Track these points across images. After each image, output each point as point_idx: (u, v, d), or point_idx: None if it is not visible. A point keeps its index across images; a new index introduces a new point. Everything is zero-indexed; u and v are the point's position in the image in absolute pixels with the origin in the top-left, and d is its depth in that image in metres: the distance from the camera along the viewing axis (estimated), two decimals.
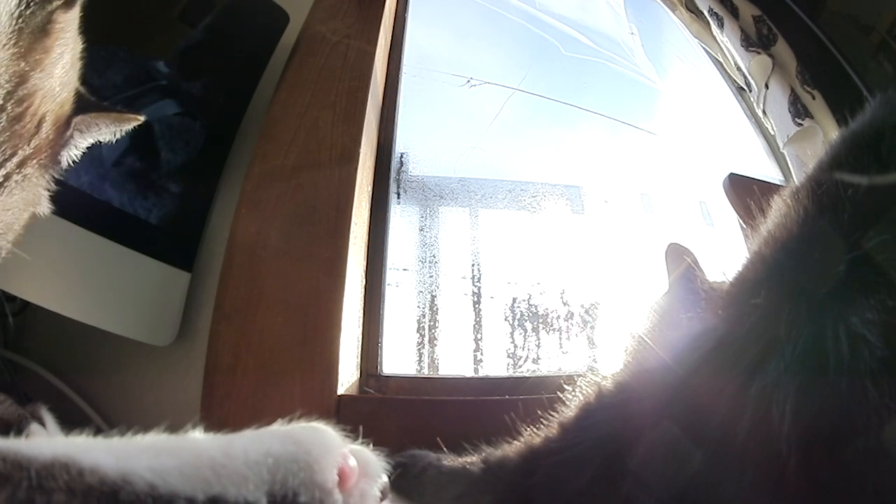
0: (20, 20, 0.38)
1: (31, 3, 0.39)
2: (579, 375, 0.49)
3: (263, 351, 0.63)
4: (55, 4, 0.41)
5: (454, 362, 0.84)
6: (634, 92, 1.34)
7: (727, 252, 0.96)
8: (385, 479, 0.28)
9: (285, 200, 0.72)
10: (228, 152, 0.87)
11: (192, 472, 0.21)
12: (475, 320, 0.87)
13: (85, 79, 0.50)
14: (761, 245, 0.39)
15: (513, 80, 1.17)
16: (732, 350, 0.36)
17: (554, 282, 0.92)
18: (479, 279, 0.91)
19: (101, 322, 0.69)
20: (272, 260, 0.68)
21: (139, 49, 0.79)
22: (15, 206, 0.43)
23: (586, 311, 0.89)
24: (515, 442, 0.48)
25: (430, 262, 0.90)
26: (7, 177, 0.41)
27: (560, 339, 0.88)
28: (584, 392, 0.46)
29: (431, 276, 0.89)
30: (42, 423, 0.50)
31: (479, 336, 0.86)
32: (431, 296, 0.87)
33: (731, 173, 0.81)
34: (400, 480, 0.47)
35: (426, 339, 0.83)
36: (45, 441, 0.27)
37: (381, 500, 0.27)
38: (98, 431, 0.24)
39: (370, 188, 0.86)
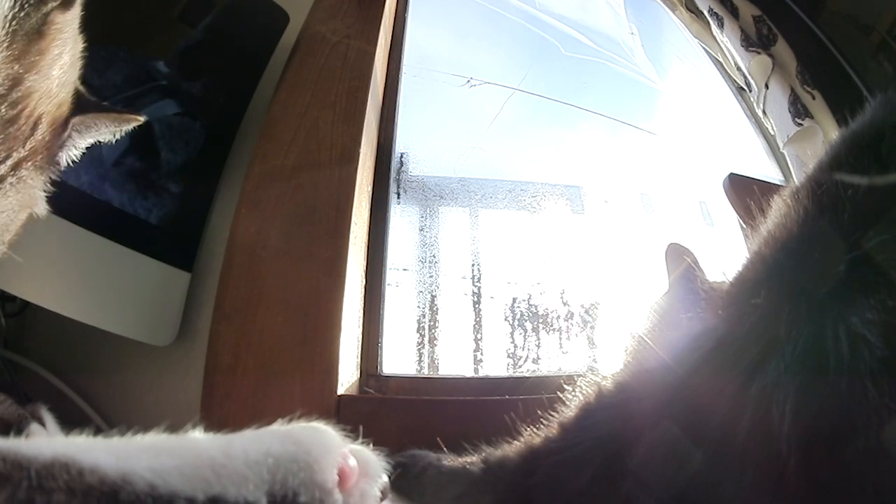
0: (13, 22, 0.38)
1: (26, 5, 0.39)
2: (579, 375, 0.49)
3: (263, 351, 0.63)
4: (51, 6, 0.41)
5: (454, 362, 0.84)
6: (634, 92, 1.34)
7: (727, 252, 0.96)
8: (385, 479, 0.28)
9: (285, 200, 0.72)
10: (228, 152, 0.87)
11: (192, 472, 0.21)
12: (475, 320, 0.87)
13: (85, 79, 0.49)
14: (761, 245, 0.39)
15: (513, 80, 1.17)
16: (732, 350, 0.36)
17: (554, 282, 0.92)
18: (479, 279, 0.91)
19: (101, 322, 0.69)
20: (272, 260, 0.68)
21: (139, 49, 0.79)
22: (9, 209, 0.43)
23: (586, 311, 0.89)
24: (515, 442, 0.48)
25: (430, 262, 0.90)
26: (1, 179, 0.41)
27: (560, 339, 0.88)
28: (584, 392, 0.46)
29: (431, 276, 0.89)
30: (42, 423, 0.50)
31: (479, 336, 0.86)
32: (431, 296, 0.87)
33: (731, 173, 0.81)
34: (400, 480, 0.47)
35: (426, 339, 0.83)
36: (45, 441, 0.27)
37: (381, 500, 0.27)
38: (98, 431, 0.24)
39: (370, 188, 0.86)
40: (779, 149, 1.12)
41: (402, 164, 0.96)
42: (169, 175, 0.79)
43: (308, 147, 0.77)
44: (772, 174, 1.16)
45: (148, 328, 0.74)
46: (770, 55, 1.06)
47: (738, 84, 1.24)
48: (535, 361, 0.85)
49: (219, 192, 0.85)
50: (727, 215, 0.99)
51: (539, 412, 0.48)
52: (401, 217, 0.91)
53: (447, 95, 1.13)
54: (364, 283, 0.79)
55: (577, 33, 1.35)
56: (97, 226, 0.69)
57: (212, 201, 0.84)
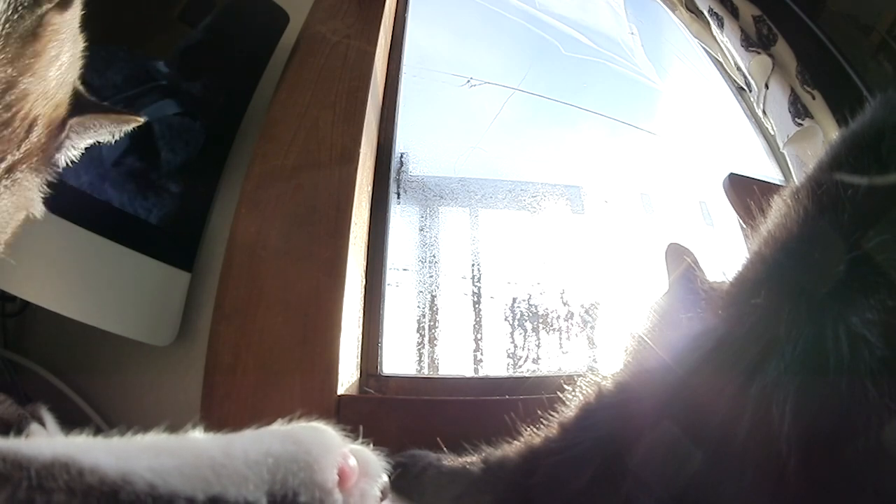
0: (7, 25, 0.38)
1: (20, 7, 0.38)
2: (579, 375, 0.49)
3: (263, 351, 0.63)
4: (46, 7, 0.41)
5: (454, 362, 0.84)
6: (634, 92, 1.34)
7: (727, 252, 0.96)
8: (385, 479, 0.28)
9: (285, 200, 0.72)
10: (228, 152, 0.87)
11: (192, 472, 0.21)
12: (475, 320, 0.87)
13: (85, 79, 0.49)
14: (761, 245, 0.39)
15: (513, 80, 1.17)
16: (732, 350, 0.35)
17: (554, 282, 0.92)
18: (479, 279, 0.91)
19: (101, 322, 0.69)
20: (272, 260, 0.68)
21: (139, 49, 0.79)
22: (5, 211, 0.43)
23: (586, 311, 0.89)
24: (515, 442, 0.48)
25: (430, 262, 0.90)
26: None
27: (560, 339, 0.88)
28: (584, 392, 0.46)
29: (431, 276, 0.89)
30: (42, 423, 0.50)
31: (479, 336, 0.86)
32: (431, 296, 0.87)
33: (731, 173, 0.81)
34: (400, 480, 0.47)
35: (426, 339, 0.83)
36: (45, 441, 0.27)
37: (381, 500, 0.27)
38: (98, 431, 0.24)
39: (370, 188, 0.86)
40: (779, 149, 1.12)
41: (402, 164, 0.96)
42: (169, 175, 0.79)
43: (308, 147, 0.77)
44: (772, 174, 1.16)
45: (148, 328, 0.74)
46: (770, 55, 1.06)
47: (738, 84, 1.24)
48: (535, 361, 0.85)
49: (219, 192, 0.85)
50: (727, 215, 0.99)
51: (539, 412, 0.48)
52: (401, 217, 0.91)
53: (447, 95, 1.13)
54: (364, 283, 0.79)
55: (577, 33, 1.35)
56: (97, 226, 0.69)
57: (212, 201, 0.84)
